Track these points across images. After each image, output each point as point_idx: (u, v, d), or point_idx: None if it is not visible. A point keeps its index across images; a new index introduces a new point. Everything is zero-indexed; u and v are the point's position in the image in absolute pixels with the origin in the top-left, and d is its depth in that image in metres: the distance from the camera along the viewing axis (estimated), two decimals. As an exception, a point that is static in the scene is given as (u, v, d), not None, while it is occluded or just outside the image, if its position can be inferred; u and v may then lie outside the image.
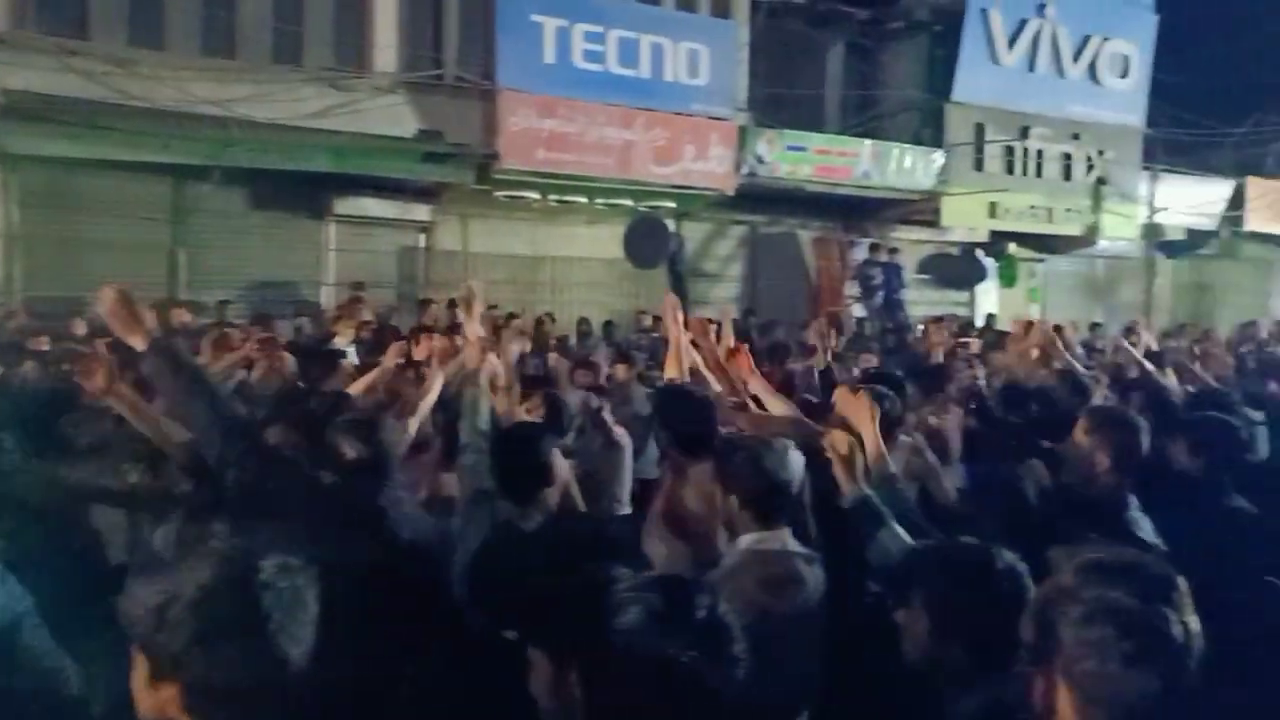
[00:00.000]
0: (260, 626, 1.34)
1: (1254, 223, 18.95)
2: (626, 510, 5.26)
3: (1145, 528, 3.22)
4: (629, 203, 13.80)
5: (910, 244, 16.77)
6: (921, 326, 15.46)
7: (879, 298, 15.41)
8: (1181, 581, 1.52)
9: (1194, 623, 1.48)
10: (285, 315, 10.91)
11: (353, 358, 7.40)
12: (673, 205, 14.02)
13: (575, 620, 1.57)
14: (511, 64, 12.35)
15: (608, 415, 5.58)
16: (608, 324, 13.12)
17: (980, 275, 17.74)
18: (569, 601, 1.62)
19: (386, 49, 12.47)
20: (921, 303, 17.23)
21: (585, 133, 12.66)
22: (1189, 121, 17.32)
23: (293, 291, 12.52)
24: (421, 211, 13.46)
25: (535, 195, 13.32)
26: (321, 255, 12.93)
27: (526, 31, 12.44)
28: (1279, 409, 5.59)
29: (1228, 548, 3.32)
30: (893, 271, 15.45)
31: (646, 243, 13.43)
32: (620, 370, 7.51)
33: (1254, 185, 19.02)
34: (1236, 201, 18.79)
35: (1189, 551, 3.25)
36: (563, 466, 4.78)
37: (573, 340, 11.94)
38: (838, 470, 2.94)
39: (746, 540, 2.86)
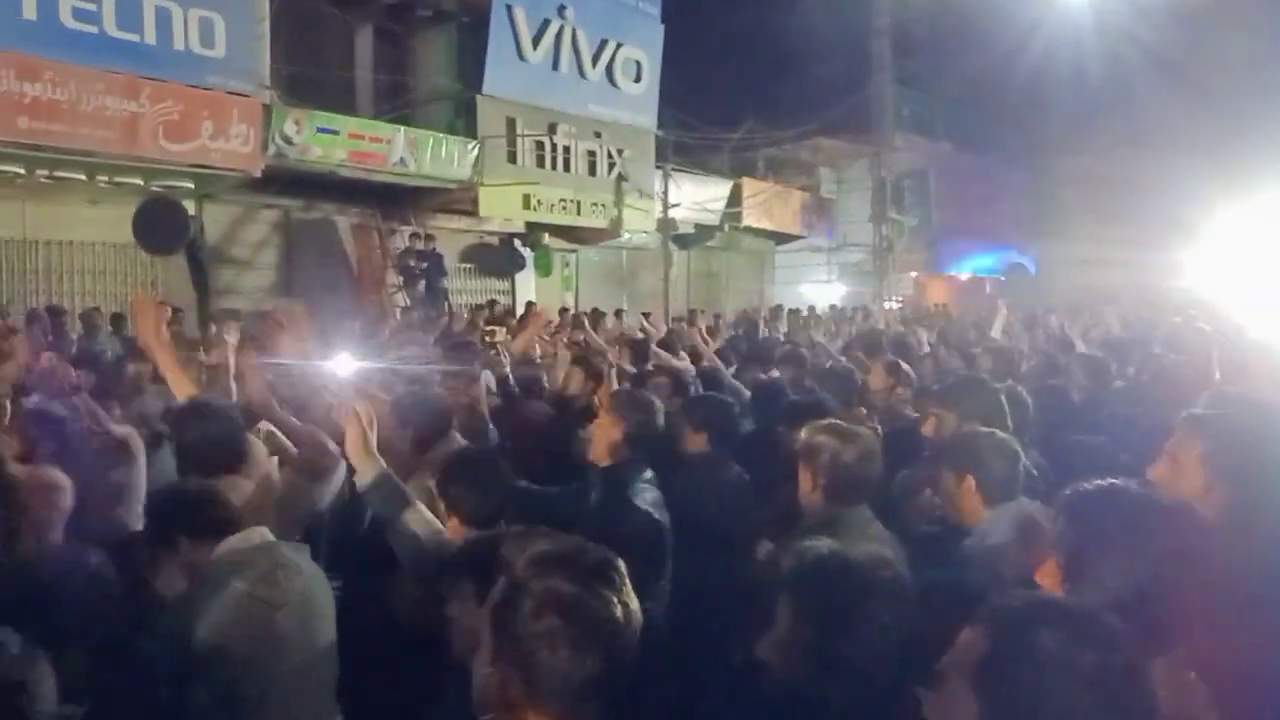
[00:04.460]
0: None
1: (749, 219, 21.59)
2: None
3: (648, 499, 3.48)
4: (139, 181, 12.50)
5: (450, 233, 17.01)
6: (465, 314, 15.84)
7: (421, 286, 15.47)
8: (620, 563, 1.59)
9: (633, 601, 1.55)
10: None
11: None
12: (191, 185, 12.92)
13: None
14: (-22, 17, 10.66)
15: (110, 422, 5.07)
16: (116, 316, 11.83)
17: (519, 264, 18.51)
18: None
19: None
20: (464, 291, 17.60)
21: (80, 101, 11.23)
22: (693, 126, 19.33)
23: None
24: None
25: (19, 170, 11.60)
26: None
27: (-4, -19, 10.81)
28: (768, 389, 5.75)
29: (729, 512, 3.71)
30: (433, 260, 15.57)
31: (160, 226, 12.30)
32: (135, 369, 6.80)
33: (748, 185, 21.68)
34: (734, 199, 21.24)
35: (696, 518, 3.58)
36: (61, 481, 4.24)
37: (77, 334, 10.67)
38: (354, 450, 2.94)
39: (226, 543, 2.76)
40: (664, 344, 8.02)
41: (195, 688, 2.55)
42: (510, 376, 6.40)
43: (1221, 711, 1.69)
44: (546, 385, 6.66)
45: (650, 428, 3.67)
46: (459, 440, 4.38)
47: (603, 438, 3.64)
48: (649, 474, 3.58)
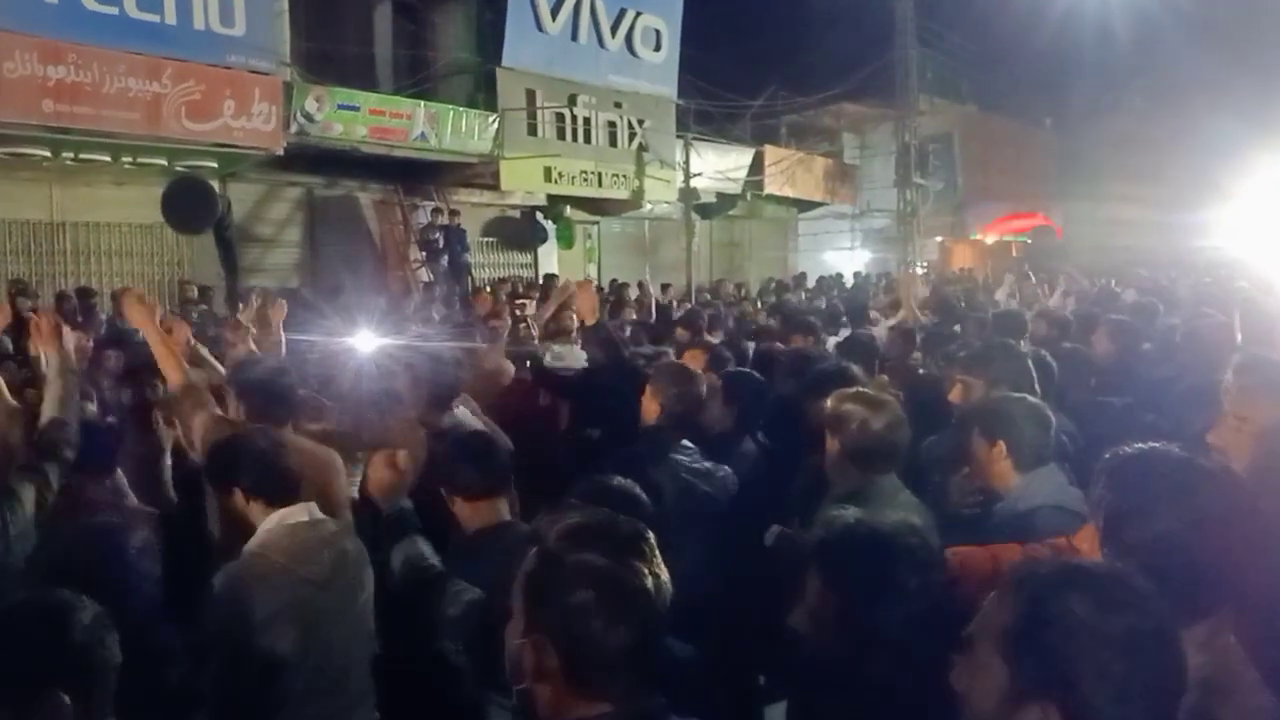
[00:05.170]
0: None
1: (772, 186, 21.39)
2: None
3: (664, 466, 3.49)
4: (163, 162, 12.57)
5: (472, 207, 17.01)
6: (489, 288, 15.87)
7: (444, 261, 15.49)
8: (651, 535, 1.61)
9: (664, 572, 1.57)
10: None
11: None
12: (214, 165, 12.97)
13: None
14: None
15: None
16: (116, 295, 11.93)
17: (541, 237, 18.51)
18: None
19: None
20: (487, 265, 17.64)
21: (103, 83, 11.28)
22: (714, 94, 19.17)
23: None
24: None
25: (45, 153, 11.71)
26: None
27: (18, -36, 10.85)
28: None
29: (748, 485, 3.72)
30: (455, 234, 15.59)
31: (190, 206, 12.37)
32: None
33: (771, 153, 21.47)
34: (757, 167, 21.05)
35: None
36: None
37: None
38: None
39: (273, 518, 2.82)
40: (690, 318, 8.03)
41: (236, 665, 2.59)
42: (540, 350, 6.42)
43: (1262, 676, 1.68)
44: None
45: (686, 400, 3.69)
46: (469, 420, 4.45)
47: (647, 407, 3.74)
48: (683, 442, 3.60)
